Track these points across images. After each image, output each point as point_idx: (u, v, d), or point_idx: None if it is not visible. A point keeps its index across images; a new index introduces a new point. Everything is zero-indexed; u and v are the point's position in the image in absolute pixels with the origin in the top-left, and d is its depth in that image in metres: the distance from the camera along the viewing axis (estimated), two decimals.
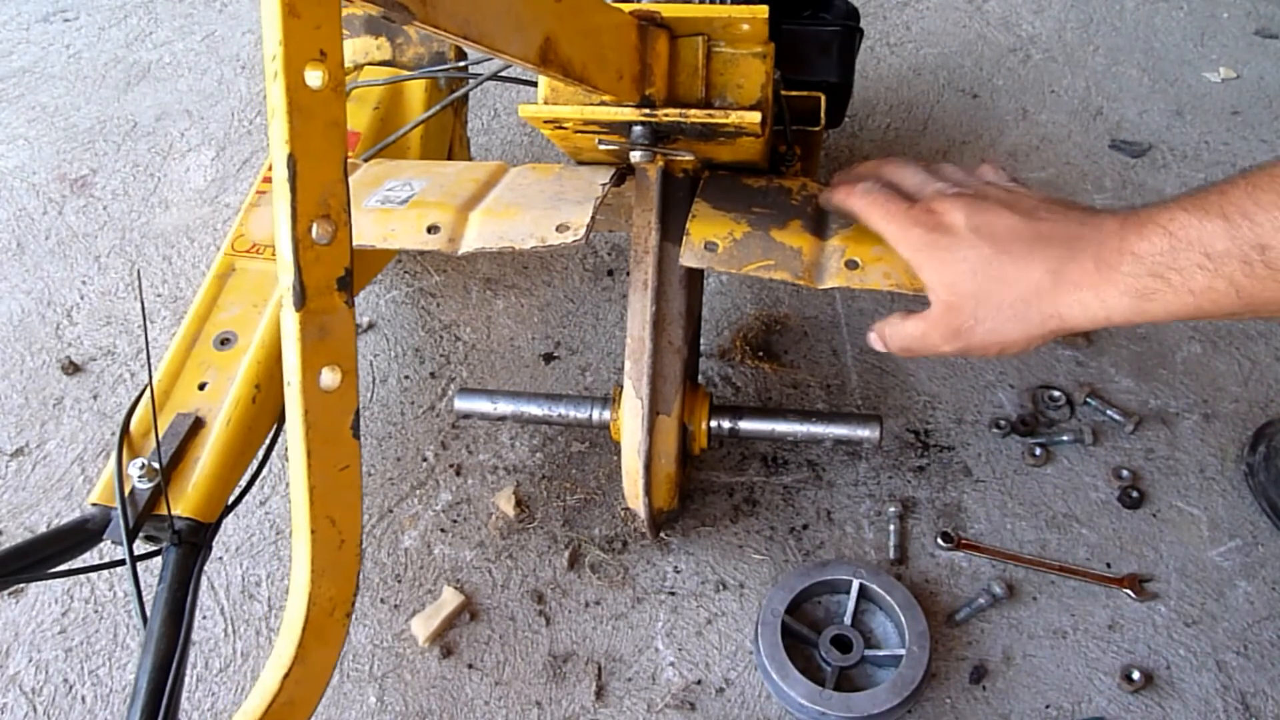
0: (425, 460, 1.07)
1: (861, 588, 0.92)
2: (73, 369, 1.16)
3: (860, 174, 0.76)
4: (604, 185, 0.84)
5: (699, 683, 0.90)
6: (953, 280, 0.64)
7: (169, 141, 1.46)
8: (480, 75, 1.09)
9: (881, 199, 0.70)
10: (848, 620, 0.91)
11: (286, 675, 0.57)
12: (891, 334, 0.73)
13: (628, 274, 0.97)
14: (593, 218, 0.78)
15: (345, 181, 0.51)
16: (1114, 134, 1.40)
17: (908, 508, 1.01)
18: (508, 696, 0.90)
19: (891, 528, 0.98)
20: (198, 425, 0.83)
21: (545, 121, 0.79)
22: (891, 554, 0.97)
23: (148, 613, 0.73)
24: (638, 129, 0.79)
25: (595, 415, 0.93)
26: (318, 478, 0.54)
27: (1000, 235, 0.63)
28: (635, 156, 0.80)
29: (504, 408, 0.96)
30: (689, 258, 0.80)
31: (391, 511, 1.03)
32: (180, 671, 0.70)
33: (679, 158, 0.84)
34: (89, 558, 0.80)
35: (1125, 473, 1.02)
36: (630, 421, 0.85)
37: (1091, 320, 0.60)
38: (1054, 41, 1.56)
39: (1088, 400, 1.08)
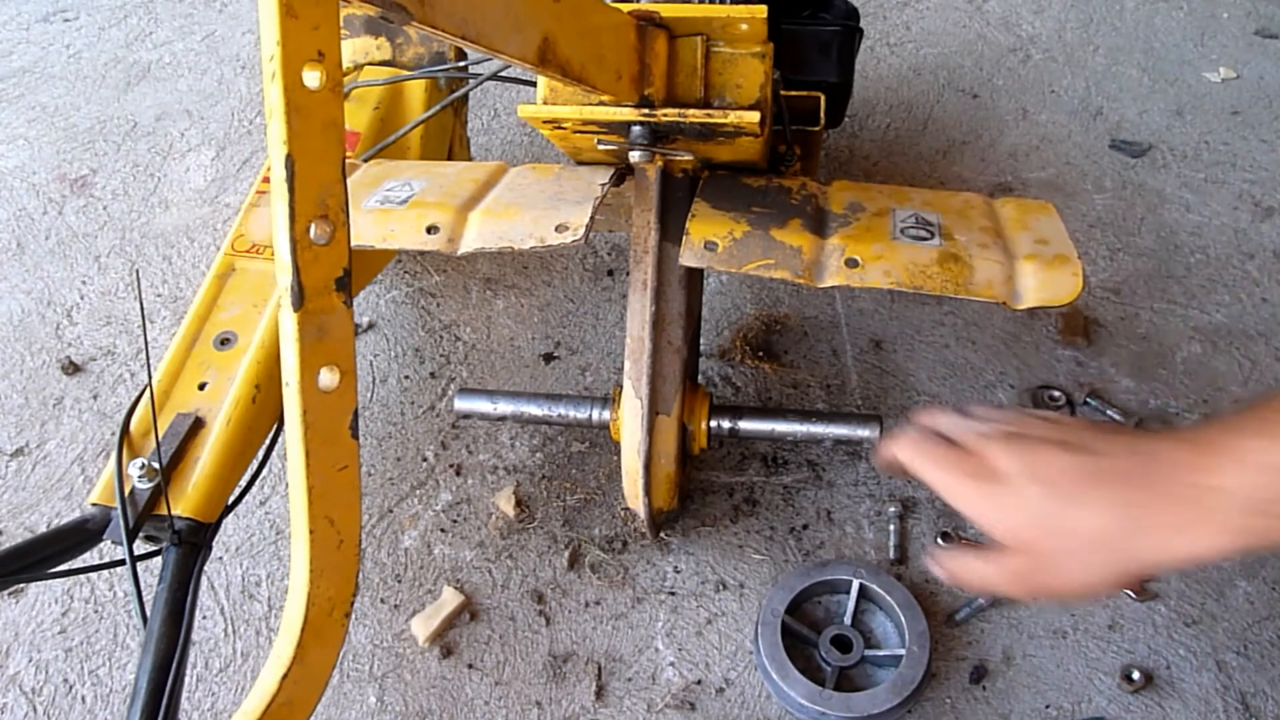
0: (425, 460, 1.07)
1: (861, 588, 0.92)
2: (73, 369, 1.16)
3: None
4: (603, 185, 0.84)
5: (699, 683, 0.90)
6: (1014, 529, 0.59)
7: (169, 141, 1.46)
8: (480, 75, 1.09)
9: (930, 449, 0.64)
10: (848, 620, 0.91)
11: (285, 675, 0.57)
12: (959, 570, 0.63)
13: (628, 274, 0.97)
14: (592, 218, 0.78)
15: (343, 182, 0.51)
16: (1114, 134, 1.40)
17: (908, 508, 1.00)
18: (508, 696, 0.90)
19: (891, 528, 0.98)
20: (198, 425, 0.83)
21: (544, 121, 0.79)
22: (891, 554, 0.97)
23: (148, 613, 0.73)
24: (637, 129, 0.79)
25: (595, 415, 0.93)
26: (316, 478, 0.54)
27: (1054, 478, 0.58)
28: (634, 156, 0.80)
29: (504, 408, 0.96)
30: (689, 257, 0.80)
31: (391, 511, 1.03)
32: (180, 671, 0.70)
33: (678, 158, 0.84)
34: (89, 558, 0.80)
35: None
36: (630, 421, 0.85)
37: (1184, 561, 0.54)
38: (1054, 41, 1.56)
39: (1088, 400, 1.08)
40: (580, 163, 0.91)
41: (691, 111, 0.77)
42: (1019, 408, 0.69)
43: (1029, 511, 0.58)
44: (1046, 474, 0.58)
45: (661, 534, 0.99)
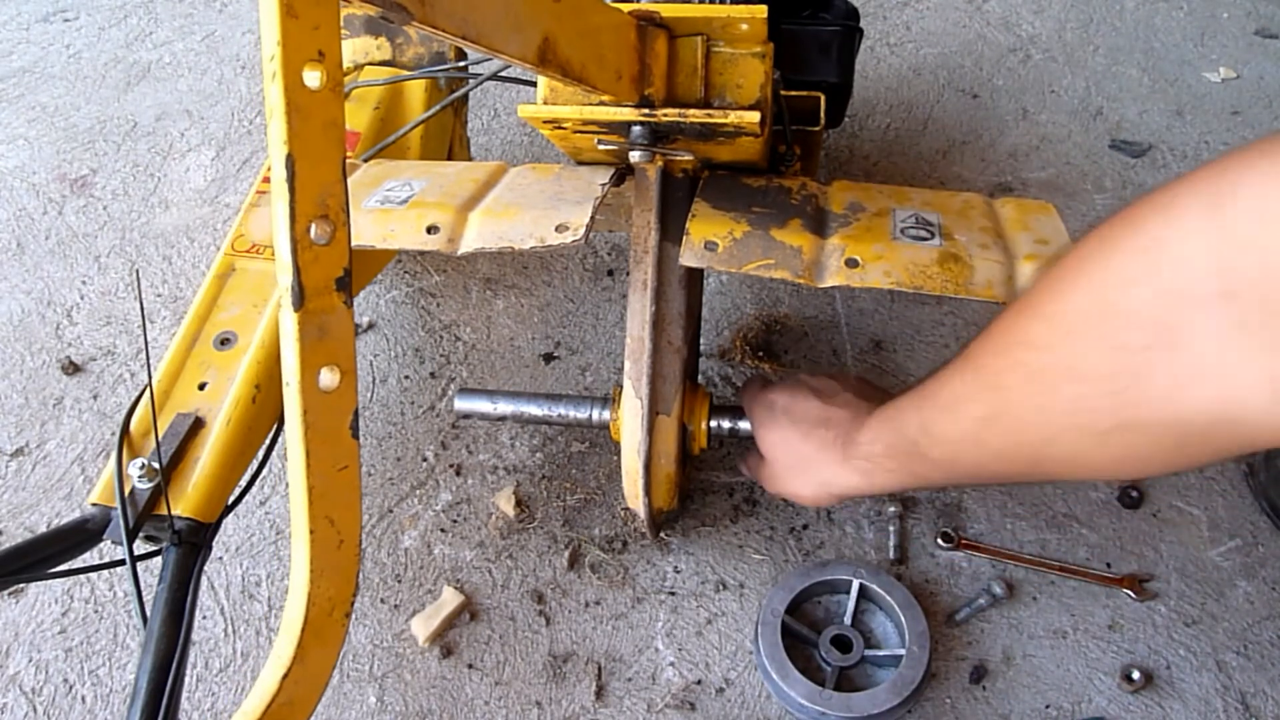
0: (425, 460, 1.07)
1: (861, 588, 0.92)
2: (73, 369, 1.16)
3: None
4: (603, 185, 0.84)
5: (699, 683, 0.90)
6: (769, 445, 0.85)
7: (169, 141, 1.46)
8: (480, 75, 1.09)
9: (755, 387, 0.91)
10: (848, 620, 0.91)
11: (286, 675, 0.57)
12: (750, 464, 0.93)
13: (628, 274, 0.97)
14: (592, 218, 0.78)
15: (344, 182, 0.51)
16: (1114, 134, 1.40)
17: (908, 508, 1.00)
18: (508, 696, 0.90)
19: (891, 528, 0.98)
20: (198, 425, 0.83)
21: (544, 121, 0.79)
22: (891, 554, 0.97)
23: (148, 613, 0.73)
24: (637, 129, 0.79)
25: (595, 415, 0.93)
26: (317, 478, 0.54)
27: (798, 416, 0.82)
28: (634, 156, 0.80)
29: (504, 408, 0.96)
30: (689, 257, 0.80)
31: (391, 511, 1.03)
32: (180, 671, 0.70)
33: (678, 158, 0.84)
34: (89, 558, 0.80)
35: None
36: (630, 421, 0.85)
37: (845, 489, 0.77)
38: (1054, 41, 1.56)
39: None
40: (580, 163, 0.91)
41: (692, 111, 0.77)
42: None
43: (778, 435, 0.84)
44: (795, 412, 0.83)
45: (661, 534, 0.99)
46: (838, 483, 0.77)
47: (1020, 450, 0.59)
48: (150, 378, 0.83)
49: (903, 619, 0.89)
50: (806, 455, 0.80)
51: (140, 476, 0.77)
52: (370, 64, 1.16)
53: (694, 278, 0.89)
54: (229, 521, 0.95)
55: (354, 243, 0.60)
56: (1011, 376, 0.56)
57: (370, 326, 1.20)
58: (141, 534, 0.78)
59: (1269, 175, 0.41)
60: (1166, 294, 0.45)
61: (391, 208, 0.84)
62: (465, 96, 1.26)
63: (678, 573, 0.97)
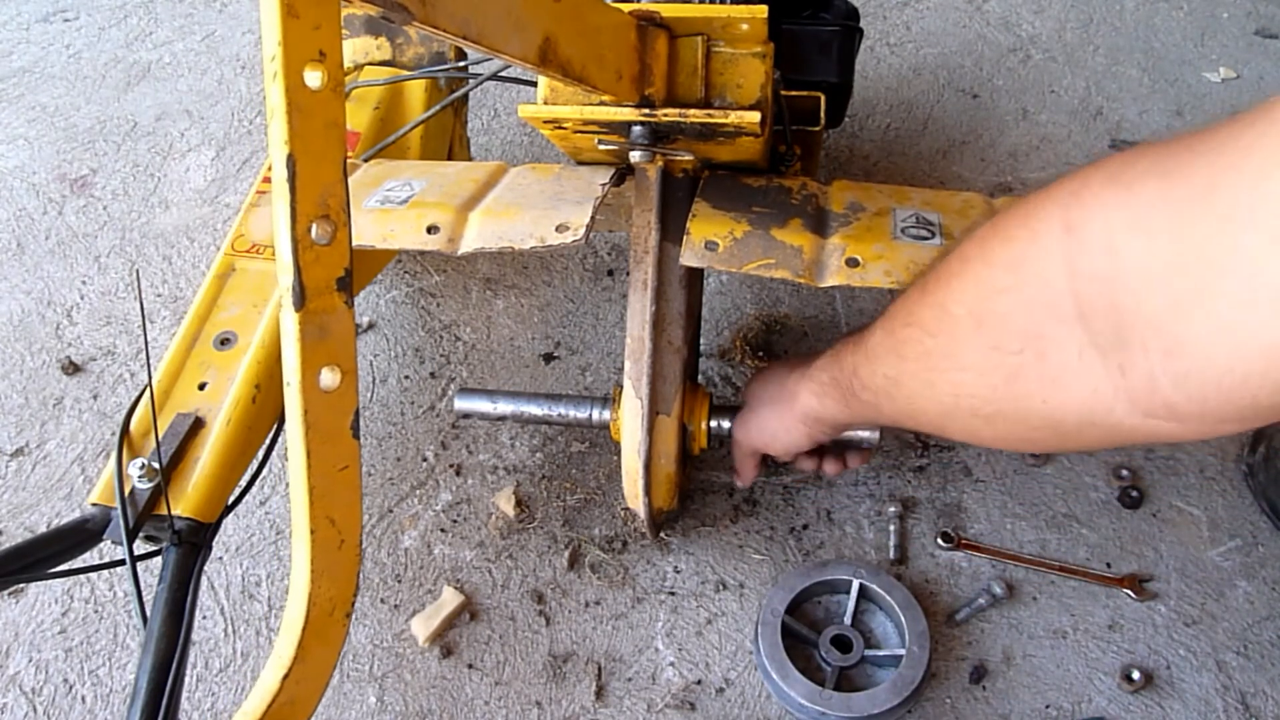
0: (425, 460, 1.07)
1: (861, 588, 0.92)
2: (73, 369, 1.16)
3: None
4: (603, 185, 0.84)
5: (699, 683, 0.90)
6: (751, 389, 0.90)
7: (169, 141, 1.46)
8: (480, 75, 1.09)
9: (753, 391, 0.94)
10: (848, 620, 0.91)
11: (286, 675, 0.57)
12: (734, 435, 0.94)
13: (628, 274, 0.97)
14: (592, 218, 0.78)
15: (344, 182, 0.51)
16: (1114, 134, 1.40)
17: (908, 508, 1.00)
18: (508, 696, 0.90)
19: (891, 528, 0.98)
20: (198, 425, 0.83)
21: (545, 121, 0.79)
22: (891, 554, 0.97)
23: (148, 613, 0.73)
24: (637, 129, 0.79)
25: (595, 415, 0.93)
26: (317, 478, 0.54)
27: (775, 364, 0.90)
28: (635, 156, 0.80)
29: (504, 408, 0.96)
30: (689, 257, 0.80)
31: (391, 511, 1.03)
32: (180, 671, 0.70)
33: (678, 157, 0.84)
34: (89, 558, 0.80)
35: (1125, 472, 1.02)
36: (630, 421, 0.85)
37: (804, 410, 0.80)
38: (1054, 41, 1.56)
39: None
40: (580, 163, 0.91)
41: (692, 111, 0.77)
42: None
43: (758, 378, 0.90)
44: (773, 364, 0.92)
45: (661, 534, 0.99)
46: (798, 403, 0.81)
47: (923, 415, 0.63)
48: (150, 378, 0.83)
49: (903, 619, 0.89)
50: (777, 383, 0.85)
51: (140, 476, 0.77)
52: (370, 64, 1.16)
53: (694, 278, 0.89)
54: (229, 521, 0.95)
55: (354, 243, 0.60)
56: (908, 349, 0.60)
57: (370, 326, 1.20)
58: (141, 534, 0.78)
59: (1113, 207, 0.43)
60: (1032, 307, 0.49)
61: (392, 208, 0.84)
62: (465, 96, 1.26)
63: (678, 573, 0.97)
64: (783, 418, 0.84)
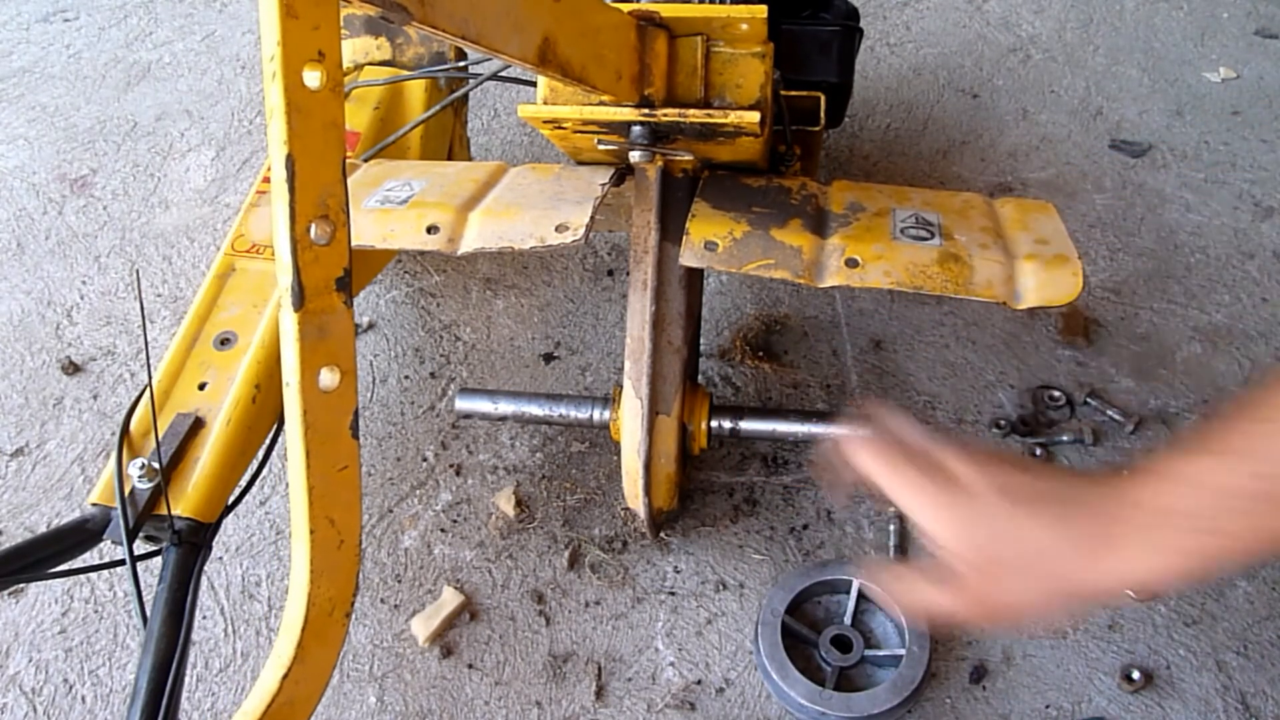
0: (425, 460, 1.07)
1: (862, 588, 0.92)
2: (73, 369, 1.16)
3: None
4: (603, 185, 0.84)
5: (699, 683, 0.90)
6: (972, 541, 0.58)
7: (169, 141, 1.46)
8: (480, 75, 1.09)
9: (891, 456, 0.61)
10: (848, 620, 0.91)
11: (286, 675, 0.57)
12: (907, 597, 0.62)
13: (628, 274, 0.97)
14: (592, 218, 0.78)
15: (344, 182, 0.51)
16: (1114, 134, 1.40)
17: None
18: (508, 696, 0.90)
19: (891, 528, 0.98)
20: (198, 425, 0.83)
21: (544, 121, 0.79)
22: (891, 554, 0.97)
23: (148, 613, 0.73)
24: (637, 129, 0.79)
25: (595, 415, 0.93)
26: (317, 478, 0.54)
27: (1014, 491, 0.56)
28: (634, 156, 0.80)
29: (504, 408, 0.96)
30: (689, 257, 0.80)
31: (391, 511, 1.03)
32: (180, 671, 0.70)
33: (678, 158, 0.84)
34: (89, 558, 0.80)
35: (1126, 473, 1.01)
36: (630, 421, 0.85)
37: (1129, 583, 0.55)
38: (1054, 41, 1.56)
39: (1088, 400, 1.08)
40: (580, 163, 0.91)
41: (691, 111, 0.77)
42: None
43: (989, 523, 0.56)
44: (1007, 487, 0.56)
45: (661, 534, 0.99)
46: (1118, 572, 0.53)
47: None
48: (150, 378, 0.83)
49: (903, 619, 0.88)
50: (1053, 544, 0.55)
51: (140, 476, 0.77)
52: (370, 64, 1.16)
53: (694, 278, 0.89)
54: (229, 521, 0.95)
55: (354, 243, 0.60)
56: None
57: (370, 326, 1.20)
58: (141, 534, 0.78)
59: None
60: None
61: (391, 208, 0.84)
62: (465, 96, 1.26)
63: (678, 573, 0.97)
64: (1065, 599, 0.55)
